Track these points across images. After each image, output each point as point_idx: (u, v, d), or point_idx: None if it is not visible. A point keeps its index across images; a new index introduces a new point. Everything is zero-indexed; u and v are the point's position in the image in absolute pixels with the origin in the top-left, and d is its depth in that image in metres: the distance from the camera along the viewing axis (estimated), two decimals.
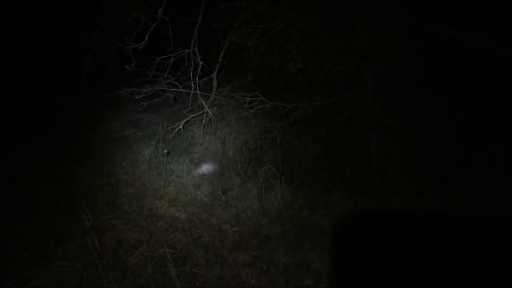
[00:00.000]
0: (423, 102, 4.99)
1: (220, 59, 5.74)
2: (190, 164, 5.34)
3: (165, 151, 5.27)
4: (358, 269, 3.45)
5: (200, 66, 5.46)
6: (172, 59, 5.39)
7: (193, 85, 5.49)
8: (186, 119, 5.75)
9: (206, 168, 5.27)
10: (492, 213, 4.31)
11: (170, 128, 5.78)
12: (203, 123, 5.70)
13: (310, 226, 4.12)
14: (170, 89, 5.61)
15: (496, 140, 4.59)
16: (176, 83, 5.56)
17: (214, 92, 5.73)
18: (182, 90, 5.62)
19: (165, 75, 5.46)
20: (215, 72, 5.69)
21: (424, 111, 4.99)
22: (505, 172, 4.49)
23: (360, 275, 3.41)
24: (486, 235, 3.73)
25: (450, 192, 4.51)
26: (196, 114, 5.76)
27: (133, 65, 5.06)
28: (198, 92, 5.53)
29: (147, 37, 5.04)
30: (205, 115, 5.65)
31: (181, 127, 5.75)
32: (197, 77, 5.48)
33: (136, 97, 5.48)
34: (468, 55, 4.85)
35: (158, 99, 5.70)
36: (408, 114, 5.03)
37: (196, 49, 5.43)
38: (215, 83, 5.77)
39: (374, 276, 3.36)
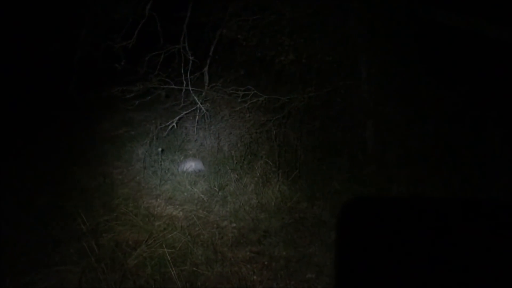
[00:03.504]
0: (418, 88, 4.97)
1: (210, 54, 5.65)
2: (185, 161, 5.27)
3: (160, 149, 5.21)
4: (359, 259, 3.42)
5: (191, 62, 5.38)
6: (162, 56, 5.33)
7: (184, 81, 5.42)
8: (179, 115, 5.68)
9: (201, 164, 5.21)
10: (492, 197, 4.28)
11: (163, 125, 5.70)
12: (196, 119, 5.63)
13: (309, 219, 4.08)
14: (161, 86, 5.54)
15: (494, 124, 4.57)
16: (167, 79, 5.48)
17: (206, 87, 5.65)
18: (173, 86, 5.54)
19: (156, 72, 5.37)
20: (206, 67, 5.61)
21: (420, 97, 4.96)
22: (503, 155, 4.47)
23: (361, 265, 3.37)
24: (487, 220, 3.70)
25: (449, 178, 4.48)
26: (189, 110, 5.69)
27: (123, 63, 4.99)
28: (190, 88, 5.45)
29: (136, 34, 4.96)
30: (198, 111, 5.58)
31: (174, 124, 5.67)
32: (188, 73, 5.40)
33: (128, 96, 5.39)
34: (462, 39, 4.81)
35: (150, 97, 5.64)
36: (404, 101, 5.00)
37: (186, 45, 5.35)
38: (206, 78, 5.69)
39: (376, 266, 3.33)
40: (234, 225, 4.06)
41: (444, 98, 4.82)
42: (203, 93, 5.61)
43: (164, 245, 3.59)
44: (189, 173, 5.07)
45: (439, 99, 4.86)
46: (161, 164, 5.13)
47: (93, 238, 3.72)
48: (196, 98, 5.49)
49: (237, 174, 4.69)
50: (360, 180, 4.67)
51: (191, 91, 5.47)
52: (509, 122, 4.55)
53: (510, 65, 4.58)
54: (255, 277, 3.40)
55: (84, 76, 5.51)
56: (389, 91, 5.00)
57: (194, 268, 3.41)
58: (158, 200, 4.62)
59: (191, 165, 5.18)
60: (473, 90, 4.69)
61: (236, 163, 4.91)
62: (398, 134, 4.93)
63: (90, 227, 3.88)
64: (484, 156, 4.55)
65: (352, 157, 4.95)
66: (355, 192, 4.45)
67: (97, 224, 4.00)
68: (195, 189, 4.68)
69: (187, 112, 5.70)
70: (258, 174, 4.59)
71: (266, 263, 3.52)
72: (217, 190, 4.58)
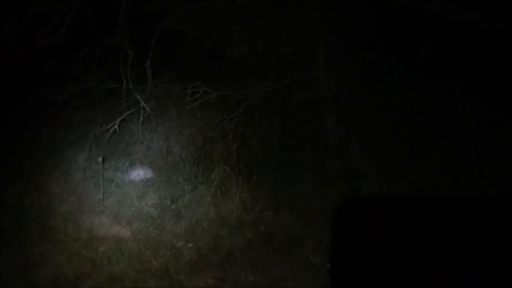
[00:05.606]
0: (379, 75, 4.62)
1: (152, 47, 5.10)
2: (131, 168, 4.73)
3: (100, 159, 4.62)
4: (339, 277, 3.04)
5: (130, 56, 4.86)
6: (97, 52, 4.80)
7: (124, 79, 4.90)
8: (121, 117, 5.11)
9: (149, 171, 4.68)
10: (466, 184, 4.03)
11: (104, 129, 5.11)
12: (140, 120, 5.08)
13: (276, 231, 3.64)
14: (99, 85, 4.99)
15: (463, 110, 4.30)
16: (105, 78, 4.96)
17: (149, 84, 5.12)
18: (113, 85, 5.00)
19: (92, 70, 4.88)
20: (148, 61, 5.07)
21: (382, 84, 4.63)
22: (474, 139, 4.20)
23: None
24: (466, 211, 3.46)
25: (420, 170, 4.17)
26: (132, 110, 5.13)
27: (50, 62, 4.40)
28: (131, 85, 4.93)
29: (63, 29, 4.36)
30: (142, 110, 5.04)
31: (116, 126, 5.10)
32: (128, 69, 4.87)
33: (61, 98, 4.82)
34: (423, 22, 4.51)
35: (86, 98, 5.06)
36: (364, 90, 4.65)
37: (124, 38, 4.83)
38: (149, 74, 5.16)
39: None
40: (191, 245, 3.57)
41: (407, 84, 4.50)
42: (147, 91, 5.08)
43: (110, 279, 3.07)
44: (136, 183, 4.55)
45: (401, 86, 4.54)
46: (103, 174, 4.56)
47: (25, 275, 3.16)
48: (138, 97, 4.95)
49: (191, 184, 4.20)
50: (326, 179, 4.27)
51: (133, 89, 4.94)
52: (478, 109, 4.29)
53: (477, 48, 4.31)
54: None
55: (10, 78, 4.86)
56: (349, 80, 4.64)
57: None
58: (102, 217, 4.10)
59: (139, 173, 4.67)
60: (438, 75, 4.38)
61: (189, 169, 4.42)
62: (361, 125, 4.58)
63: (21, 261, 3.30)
64: (453, 145, 4.28)
65: (316, 154, 4.56)
66: (323, 194, 4.06)
67: (29, 255, 3.42)
68: (144, 203, 4.18)
69: (129, 112, 5.14)
70: (215, 183, 4.11)
71: None
72: (169, 203, 4.08)
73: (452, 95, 4.45)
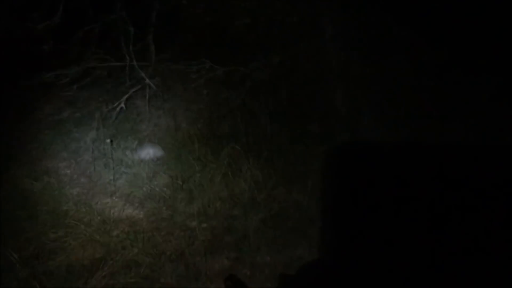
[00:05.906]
0: (389, 41, 4.48)
1: (153, 22, 4.98)
2: (141, 147, 4.69)
3: (108, 140, 4.58)
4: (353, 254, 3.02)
5: (132, 32, 4.77)
6: (97, 29, 4.71)
7: (127, 56, 4.81)
8: (127, 95, 5.04)
9: (159, 150, 4.63)
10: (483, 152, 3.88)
11: (110, 107, 5.06)
12: (146, 97, 5.02)
13: (290, 209, 3.60)
14: (102, 64, 4.91)
15: (479, 74, 4.17)
16: (107, 56, 4.89)
17: (153, 60, 5.02)
18: (116, 63, 4.91)
19: (93, 49, 4.80)
20: (150, 37, 4.96)
21: (392, 51, 4.49)
22: (492, 107, 4.11)
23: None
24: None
25: (434, 138, 4.10)
26: (137, 88, 5.07)
27: (50, 44, 4.32)
28: (134, 62, 4.85)
29: (59, 8, 4.24)
30: (148, 88, 4.98)
31: (122, 105, 5.03)
32: (130, 46, 4.78)
33: (63, 81, 4.76)
34: None
35: (89, 78, 5.00)
36: (375, 56, 4.52)
37: (124, 13, 4.70)
38: (152, 50, 5.05)
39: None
40: (204, 225, 3.55)
41: (421, 51, 4.37)
42: (151, 67, 5.00)
43: (125, 266, 3.07)
44: (146, 162, 4.50)
45: (414, 53, 4.41)
46: (112, 154, 4.53)
47: (39, 265, 3.16)
48: (143, 74, 4.89)
49: (201, 163, 4.15)
50: (337, 152, 4.20)
51: (136, 66, 4.86)
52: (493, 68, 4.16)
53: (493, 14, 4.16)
54: None
55: (10, 63, 4.76)
56: (358, 48, 4.51)
57: None
58: (114, 198, 4.06)
59: (148, 152, 4.61)
60: (453, 40, 4.24)
61: (198, 147, 4.35)
62: (371, 95, 4.48)
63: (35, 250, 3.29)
64: (472, 110, 4.17)
65: (325, 127, 4.47)
66: (334, 168, 3.99)
67: (43, 244, 3.41)
68: (155, 183, 4.14)
69: (135, 90, 5.09)
70: (225, 161, 4.05)
71: (248, 273, 3.04)
72: (180, 183, 4.03)
73: (465, 61, 4.32)
